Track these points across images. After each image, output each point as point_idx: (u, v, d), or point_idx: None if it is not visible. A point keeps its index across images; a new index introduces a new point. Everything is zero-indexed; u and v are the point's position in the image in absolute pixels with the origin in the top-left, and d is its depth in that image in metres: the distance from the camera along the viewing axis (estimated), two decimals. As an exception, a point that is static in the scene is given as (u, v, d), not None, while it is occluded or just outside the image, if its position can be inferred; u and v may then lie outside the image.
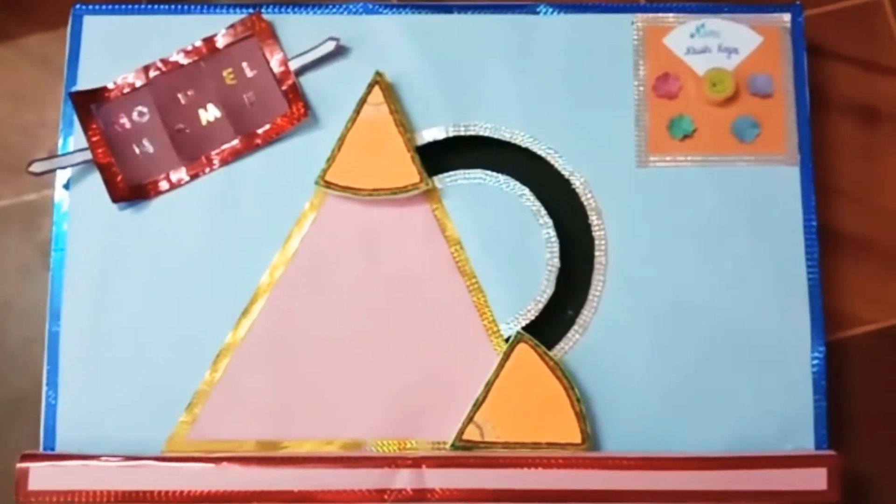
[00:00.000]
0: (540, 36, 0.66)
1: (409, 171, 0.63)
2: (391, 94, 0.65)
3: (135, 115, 0.65)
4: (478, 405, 0.61)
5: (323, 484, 0.58)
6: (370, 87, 0.65)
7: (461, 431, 0.61)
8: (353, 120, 0.64)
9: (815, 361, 0.62)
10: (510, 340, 0.62)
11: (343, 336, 0.63)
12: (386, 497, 0.58)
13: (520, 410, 0.61)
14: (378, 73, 0.65)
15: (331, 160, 0.64)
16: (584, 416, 0.60)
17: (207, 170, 0.65)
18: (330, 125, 0.65)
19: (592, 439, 0.61)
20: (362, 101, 0.64)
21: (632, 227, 0.64)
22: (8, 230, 0.67)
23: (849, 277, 0.66)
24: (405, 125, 0.64)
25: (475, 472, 0.59)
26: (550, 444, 0.60)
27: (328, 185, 0.63)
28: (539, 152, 0.65)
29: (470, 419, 0.61)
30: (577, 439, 0.60)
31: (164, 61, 0.66)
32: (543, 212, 0.64)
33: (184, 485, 0.58)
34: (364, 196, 0.63)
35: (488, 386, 0.61)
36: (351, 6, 0.67)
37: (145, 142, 0.65)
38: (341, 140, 0.64)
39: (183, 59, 0.66)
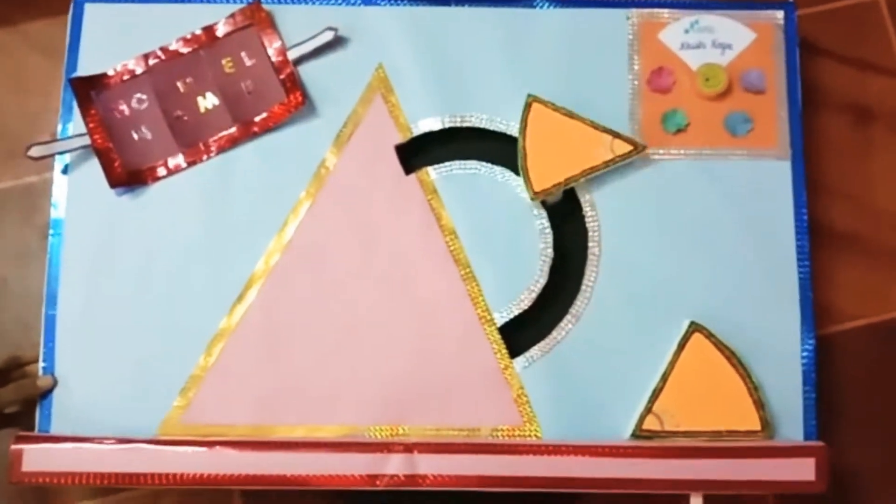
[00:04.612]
0: (536, 29, 0.67)
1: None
2: None
3: (134, 102, 0.66)
4: (656, 395, 0.61)
5: (316, 468, 0.59)
6: None
7: (640, 421, 0.61)
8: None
9: (805, 354, 0.63)
10: (685, 331, 0.62)
11: (337, 323, 0.63)
12: (378, 482, 0.59)
13: (697, 399, 0.61)
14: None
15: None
16: (763, 403, 0.61)
17: (205, 157, 0.65)
18: (327, 114, 0.66)
19: (772, 427, 0.61)
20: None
21: (625, 218, 0.64)
22: (8, 212, 0.68)
23: (838, 273, 0.67)
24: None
25: (466, 458, 0.59)
26: (730, 432, 0.60)
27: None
28: (534, 144, 0.65)
29: (648, 409, 0.61)
30: (757, 426, 0.60)
31: (163, 49, 0.66)
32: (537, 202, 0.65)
33: (177, 468, 0.59)
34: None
35: (665, 376, 0.61)
36: (349, -3, 0.67)
37: (144, 128, 0.66)
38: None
39: (182, 48, 0.66)
